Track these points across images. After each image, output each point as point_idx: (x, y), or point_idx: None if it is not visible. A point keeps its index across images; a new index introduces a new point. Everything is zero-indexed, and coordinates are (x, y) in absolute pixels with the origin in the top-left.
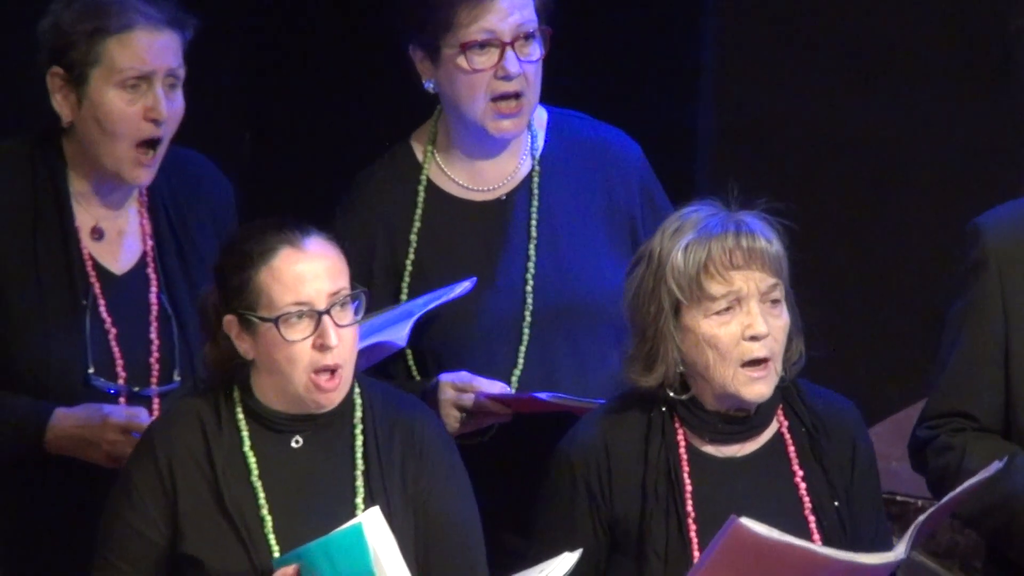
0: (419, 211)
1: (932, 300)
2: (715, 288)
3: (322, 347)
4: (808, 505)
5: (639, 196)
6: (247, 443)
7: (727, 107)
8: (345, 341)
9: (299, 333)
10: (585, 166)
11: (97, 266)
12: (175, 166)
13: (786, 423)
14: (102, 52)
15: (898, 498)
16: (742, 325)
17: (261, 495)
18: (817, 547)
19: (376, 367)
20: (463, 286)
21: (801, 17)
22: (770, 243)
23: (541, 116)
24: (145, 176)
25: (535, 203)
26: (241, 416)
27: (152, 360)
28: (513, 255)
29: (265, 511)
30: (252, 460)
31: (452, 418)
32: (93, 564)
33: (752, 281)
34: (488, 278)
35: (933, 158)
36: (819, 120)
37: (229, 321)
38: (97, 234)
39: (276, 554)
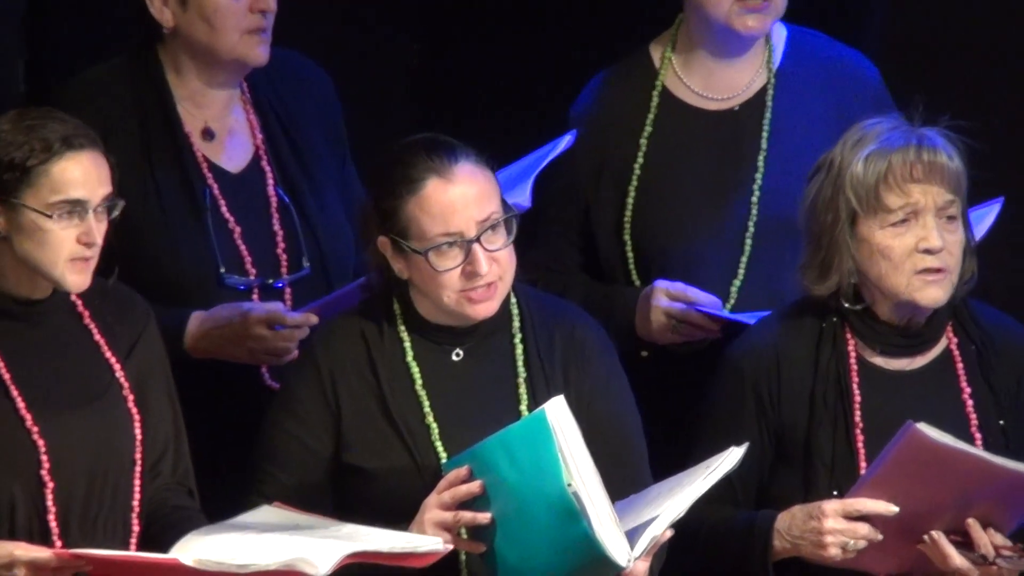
0: (652, 116)
1: None
2: (893, 200)
3: (472, 274)
4: (975, 422)
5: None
6: (410, 354)
7: (902, 22)
8: (499, 261)
9: (450, 262)
10: (821, 84)
11: (213, 167)
12: (276, 66)
13: (956, 340)
14: None
15: None
16: (917, 237)
17: (426, 403)
18: (991, 456)
19: (597, 271)
20: (565, 139)
21: None
22: (951, 159)
23: (780, 32)
24: (264, 54)
25: (768, 116)
26: (402, 328)
27: (279, 251)
28: (742, 166)
29: (431, 419)
30: (415, 370)
31: (662, 324)
32: (252, 477)
33: (930, 195)
34: (715, 188)
35: None
36: (1003, 33)
37: (383, 243)
38: (208, 135)
39: (444, 460)
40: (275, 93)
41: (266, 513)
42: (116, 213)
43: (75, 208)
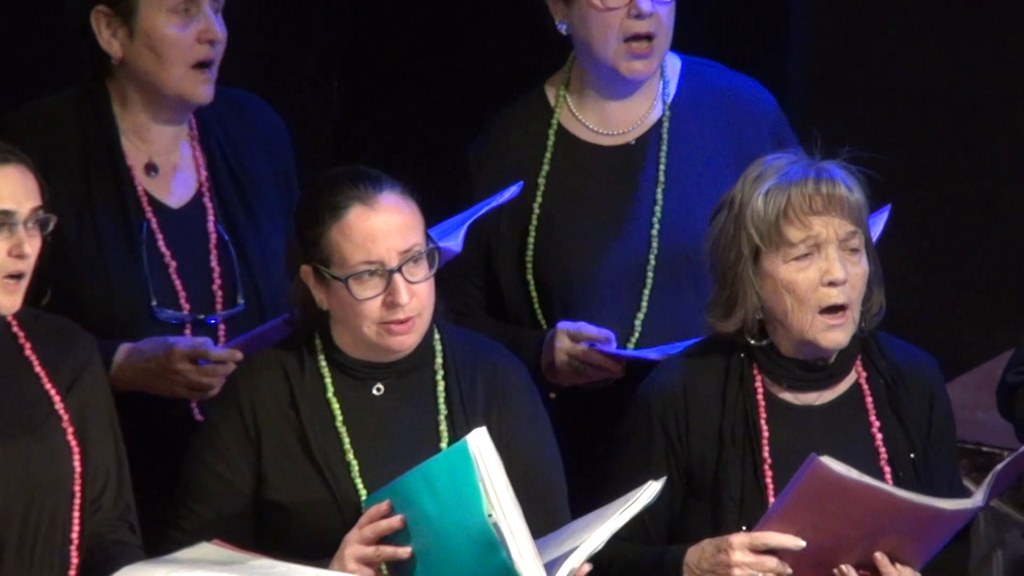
0: (548, 154)
1: (1022, 248)
2: (794, 233)
3: (392, 304)
4: (884, 456)
5: (771, 147)
6: (330, 390)
7: (819, 55)
8: (418, 295)
9: (370, 291)
10: (716, 114)
11: (153, 201)
12: (228, 106)
13: (864, 374)
14: None
15: (984, 448)
16: (820, 271)
17: (346, 440)
18: (896, 489)
19: (502, 312)
20: (511, 191)
21: None
22: (850, 191)
23: (674, 63)
24: (208, 93)
25: (664, 148)
26: (323, 363)
27: (215, 288)
28: (640, 200)
29: (351, 456)
30: (336, 406)
31: (565, 366)
32: (174, 512)
33: (831, 227)
34: (615, 222)
35: None
36: (913, 68)
37: (305, 271)
38: (151, 170)
39: (364, 497)
40: (224, 131)
41: (203, 550)
42: (49, 229)
43: (4, 221)
